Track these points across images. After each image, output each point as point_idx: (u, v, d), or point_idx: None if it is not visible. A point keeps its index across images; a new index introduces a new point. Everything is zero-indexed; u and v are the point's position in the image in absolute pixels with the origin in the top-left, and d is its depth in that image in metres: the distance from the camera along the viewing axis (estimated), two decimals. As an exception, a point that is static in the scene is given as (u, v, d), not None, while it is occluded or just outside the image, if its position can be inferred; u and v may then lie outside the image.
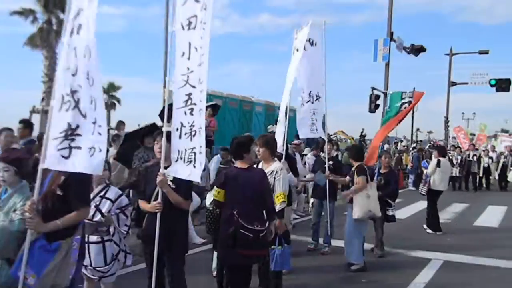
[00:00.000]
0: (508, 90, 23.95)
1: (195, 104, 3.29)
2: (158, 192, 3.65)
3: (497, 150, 21.34)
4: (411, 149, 23.55)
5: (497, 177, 19.06)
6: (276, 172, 4.58)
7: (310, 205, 7.42)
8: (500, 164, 18.65)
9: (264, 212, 4.05)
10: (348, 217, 6.14)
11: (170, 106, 3.61)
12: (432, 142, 35.62)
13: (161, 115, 12.73)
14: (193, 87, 3.26)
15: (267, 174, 4.57)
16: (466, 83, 26.61)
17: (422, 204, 12.73)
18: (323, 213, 7.01)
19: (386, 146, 18.50)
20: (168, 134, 3.60)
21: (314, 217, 7.15)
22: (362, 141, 26.38)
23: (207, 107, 12.03)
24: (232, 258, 3.93)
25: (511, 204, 13.28)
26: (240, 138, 4.21)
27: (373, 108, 17.82)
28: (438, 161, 9.19)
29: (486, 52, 25.18)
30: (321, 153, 10.73)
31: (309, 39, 6.74)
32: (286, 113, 6.29)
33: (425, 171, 8.89)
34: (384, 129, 9.89)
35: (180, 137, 3.48)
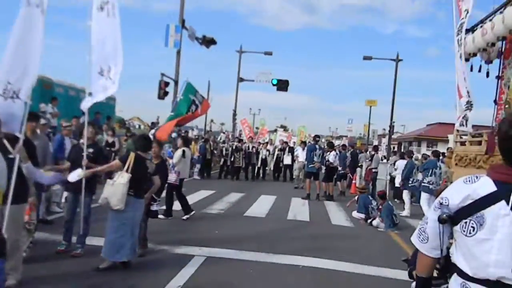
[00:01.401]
0: (286, 90, 26.52)
1: None
2: None
3: (274, 144, 23.34)
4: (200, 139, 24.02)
5: (272, 168, 20.85)
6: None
7: (63, 200, 6.35)
8: (275, 157, 20.40)
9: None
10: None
11: None
12: (223, 133, 37.30)
13: None
14: None
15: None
16: (253, 80, 28.44)
17: (203, 194, 12.86)
18: (78, 209, 6.04)
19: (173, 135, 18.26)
20: None
21: (68, 214, 6.10)
22: (157, 129, 25.85)
23: None
24: None
25: (280, 193, 14.49)
26: None
27: (162, 94, 17.41)
28: (183, 151, 9.20)
29: (270, 54, 27.34)
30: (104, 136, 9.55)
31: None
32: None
33: (170, 160, 8.73)
34: (169, 125, 9.69)
35: None
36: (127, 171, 5.42)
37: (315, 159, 14.09)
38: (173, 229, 8.07)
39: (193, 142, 21.05)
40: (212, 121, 59.24)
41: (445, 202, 1.93)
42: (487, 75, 6.27)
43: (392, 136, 37.58)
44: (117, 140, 13.11)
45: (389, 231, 9.38)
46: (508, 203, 1.75)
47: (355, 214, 10.72)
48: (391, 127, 27.28)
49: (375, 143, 35.76)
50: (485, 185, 1.83)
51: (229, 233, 8.12)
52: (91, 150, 5.98)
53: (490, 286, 1.78)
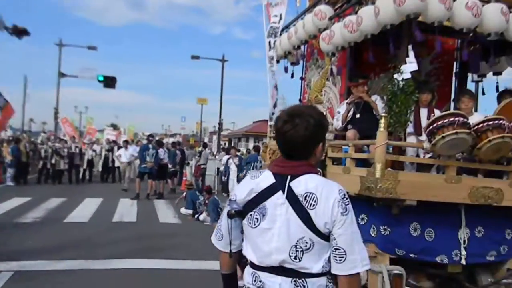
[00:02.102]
0: (114, 87, 25.27)
1: None
2: None
3: (101, 143, 22.16)
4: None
5: (100, 169, 19.71)
6: None
7: None
8: (103, 157, 19.37)
9: None
10: None
11: None
12: (45, 133, 34.12)
13: None
14: None
15: None
16: (76, 76, 26.55)
17: (17, 202, 11.50)
18: None
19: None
20: None
21: None
22: None
23: None
24: None
25: (107, 195, 13.82)
26: None
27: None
28: None
29: (94, 48, 25.86)
30: None
31: None
32: None
33: None
34: None
35: None
36: None
37: (148, 158, 13.88)
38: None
39: (5, 144, 18.71)
40: (31, 120, 53.53)
41: (233, 198, 2.02)
42: (292, 76, 6.89)
43: (223, 133, 39.13)
44: None
45: (215, 224, 9.65)
46: (284, 193, 1.91)
47: (183, 210, 10.82)
48: (220, 124, 28.33)
49: (207, 140, 36.78)
50: (266, 178, 1.97)
51: (44, 242, 7.39)
52: None
53: (275, 272, 1.90)
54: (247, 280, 2.00)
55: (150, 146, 14.39)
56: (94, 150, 19.38)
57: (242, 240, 2.07)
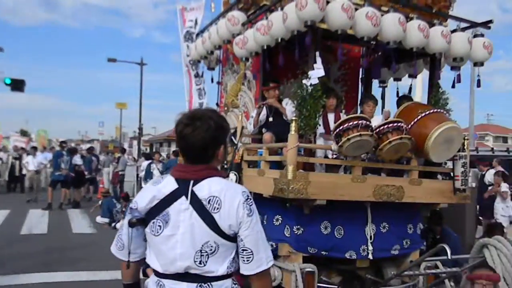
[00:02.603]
0: (23, 90, 23.50)
1: None
2: None
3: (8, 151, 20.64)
4: None
5: (7, 179, 18.28)
6: None
7: None
8: (9, 165, 18.00)
9: None
10: None
11: None
12: None
13: None
14: None
15: None
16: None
17: None
18: None
19: None
20: None
21: None
22: None
23: None
24: None
25: (15, 206, 12.85)
26: None
27: None
28: None
29: (1, 50, 23.97)
30: None
31: None
32: None
33: None
34: None
35: None
36: None
37: (63, 165, 13.16)
38: None
39: None
40: None
41: (135, 206, 1.96)
42: (212, 81, 6.89)
43: (144, 138, 38.11)
44: None
45: (134, 232, 9.40)
46: (187, 198, 1.90)
47: (99, 219, 10.39)
48: (140, 129, 27.57)
49: (127, 145, 35.57)
50: (169, 184, 1.93)
51: None
52: None
53: (180, 279, 1.88)
54: None
55: (64, 152, 13.67)
56: (0, 158, 17.98)
57: (146, 248, 2.02)
